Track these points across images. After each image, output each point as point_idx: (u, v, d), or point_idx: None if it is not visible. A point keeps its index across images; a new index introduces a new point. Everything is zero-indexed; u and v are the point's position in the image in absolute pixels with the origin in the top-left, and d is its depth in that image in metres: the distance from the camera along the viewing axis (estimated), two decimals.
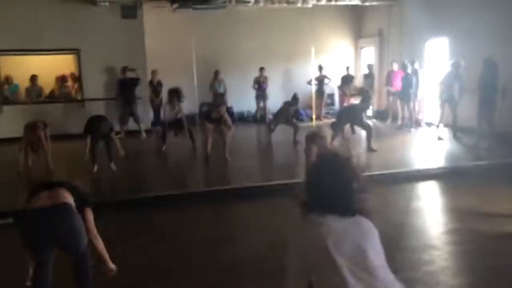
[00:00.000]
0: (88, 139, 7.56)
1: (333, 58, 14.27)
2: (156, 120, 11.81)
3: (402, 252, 4.20)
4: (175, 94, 9.13)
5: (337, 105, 14.36)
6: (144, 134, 10.86)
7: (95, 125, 7.54)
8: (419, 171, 7.07)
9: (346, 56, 14.63)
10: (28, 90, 11.35)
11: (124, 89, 10.87)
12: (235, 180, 7.10)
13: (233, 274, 4.02)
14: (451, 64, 9.31)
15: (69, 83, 12.11)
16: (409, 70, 10.77)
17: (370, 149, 8.36)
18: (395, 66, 11.72)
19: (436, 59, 11.31)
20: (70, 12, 10.75)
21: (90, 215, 3.26)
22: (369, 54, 14.35)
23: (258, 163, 8.76)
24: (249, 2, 11.16)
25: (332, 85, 14.04)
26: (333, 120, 9.59)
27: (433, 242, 4.56)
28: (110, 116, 9.20)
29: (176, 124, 9.21)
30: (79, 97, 11.70)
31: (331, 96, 14.37)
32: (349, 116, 8.90)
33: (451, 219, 5.35)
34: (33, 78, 11.30)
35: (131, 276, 3.86)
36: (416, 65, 10.97)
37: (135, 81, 10.90)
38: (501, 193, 5.98)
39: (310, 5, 11.81)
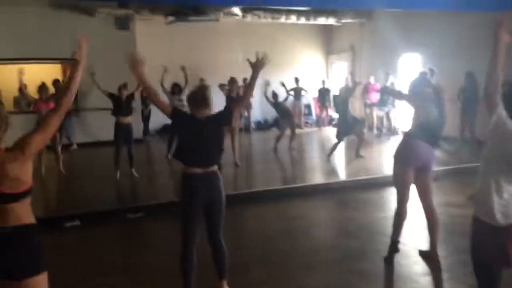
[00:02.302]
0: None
1: (306, 72, 15.04)
2: (146, 130, 12.04)
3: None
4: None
5: (313, 116, 15.12)
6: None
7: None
8: None
9: (319, 70, 15.48)
10: (17, 99, 11.05)
11: None
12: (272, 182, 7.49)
13: (308, 262, 4.34)
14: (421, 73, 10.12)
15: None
16: (388, 83, 11.64)
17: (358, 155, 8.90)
18: (372, 79, 12.58)
19: (409, 73, 12.28)
20: (65, 21, 10.64)
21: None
22: (340, 68, 15.27)
23: (277, 167, 9.17)
24: (237, 15, 11.60)
25: (308, 97, 14.80)
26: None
27: None
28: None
29: None
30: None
31: (308, 106, 15.09)
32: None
33: None
34: (22, 87, 11.01)
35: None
36: (392, 78, 11.88)
37: None
38: None
39: (292, 21, 12.47)
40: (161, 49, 12.26)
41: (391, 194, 6.63)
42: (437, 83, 9.61)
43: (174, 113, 3.49)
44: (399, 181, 4.10)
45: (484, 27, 9.09)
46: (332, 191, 6.82)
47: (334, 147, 9.00)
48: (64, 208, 5.90)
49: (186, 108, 6.32)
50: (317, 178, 7.98)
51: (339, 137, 8.89)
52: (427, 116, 4.06)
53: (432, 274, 4.04)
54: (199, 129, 3.37)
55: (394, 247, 4.16)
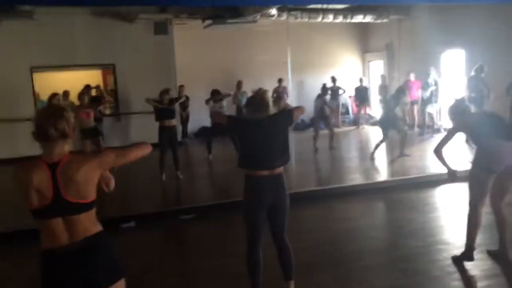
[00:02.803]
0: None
1: (342, 71, 14.84)
2: (184, 132, 12.15)
3: None
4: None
5: (351, 115, 14.90)
6: None
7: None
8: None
9: (355, 69, 15.27)
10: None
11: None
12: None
13: (369, 263, 4.23)
14: (474, 70, 9.80)
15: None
16: (430, 80, 11.36)
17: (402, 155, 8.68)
18: (412, 76, 12.27)
19: (453, 70, 11.95)
20: (105, 29, 10.84)
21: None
22: (376, 67, 15.01)
23: (321, 167, 9.11)
24: (273, 16, 11.51)
25: (346, 96, 14.61)
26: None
27: None
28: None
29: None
30: (108, 112, 11.88)
31: (344, 106, 14.88)
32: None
33: None
34: (65, 93, 11.29)
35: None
36: (434, 75, 11.58)
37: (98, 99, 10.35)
38: None
39: (329, 20, 12.31)
40: (198, 52, 12.36)
41: (440, 193, 6.50)
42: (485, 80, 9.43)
43: (230, 121, 3.57)
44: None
45: None
46: (381, 190, 6.65)
47: (377, 146, 8.84)
48: (118, 210, 5.95)
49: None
50: (363, 177, 7.80)
51: (384, 134, 8.73)
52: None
53: (504, 274, 3.86)
54: (262, 130, 3.29)
55: (469, 254, 4.01)
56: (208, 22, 10.92)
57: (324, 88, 10.55)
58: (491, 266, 3.99)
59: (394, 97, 9.25)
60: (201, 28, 11.46)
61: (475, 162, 3.99)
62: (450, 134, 4.07)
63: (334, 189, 6.75)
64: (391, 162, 8.69)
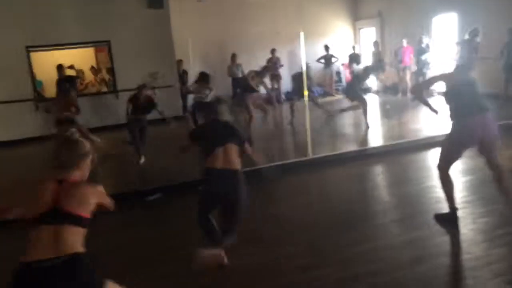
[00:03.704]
0: None
1: (334, 39, 14.85)
2: (185, 106, 12.04)
3: None
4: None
5: (344, 82, 14.99)
6: None
7: None
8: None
9: (347, 37, 15.28)
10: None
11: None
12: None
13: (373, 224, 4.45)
14: (468, 33, 9.83)
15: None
16: (423, 45, 11.48)
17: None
18: (404, 42, 12.37)
19: (445, 34, 12.06)
20: (96, 4, 10.62)
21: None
22: (368, 34, 15.04)
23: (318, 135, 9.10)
24: None
25: (338, 64, 14.69)
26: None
27: None
28: None
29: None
30: (103, 89, 11.78)
31: (337, 73, 14.98)
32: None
33: None
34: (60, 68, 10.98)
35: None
36: (426, 40, 11.70)
37: (71, 79, 10.28)
38: None
39: None
40: (194, 25, 12.20)
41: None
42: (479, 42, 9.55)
43: (193, 139, 3.87)
44: None
45: None
46: (385, 154, 6.89)
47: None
48: (142, 183, 6.04)
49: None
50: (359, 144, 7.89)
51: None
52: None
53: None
54: (219, 134, 3.69)
55: (451, 215, 4.14)
56: None
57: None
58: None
59: (361, 75, 9.16)
60: (195, 1, 11.31)
61: (449, 134, 4.09)
62: (434, 79, 4.21)
63: (343, 154, 6.96)
64: (385, 128, 8.84)
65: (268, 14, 13.69)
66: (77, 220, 2.29)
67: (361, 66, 12.45)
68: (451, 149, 4.07)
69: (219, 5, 12.40)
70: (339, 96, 14.07)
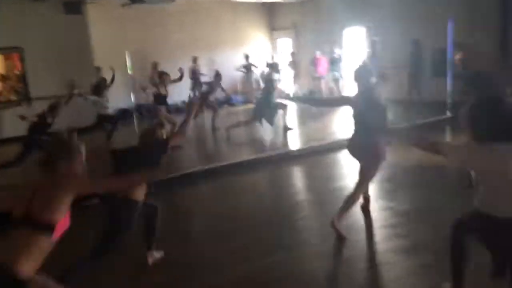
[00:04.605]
0: None
1: (253, 48, 15.29)
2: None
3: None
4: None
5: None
6: None
7: None
8: None
9: (265, 46, 15.81)
10: None
11: None
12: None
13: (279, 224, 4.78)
14: (370, 46, 10.77)
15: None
16: (336, 56, 12.24)
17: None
18: (318, 53, 13.09)
19: (354, 45, 12.94)
20: (10, 9, 10.03)
21: None
22: (285, 44, 15.69)
23: (225, 143, 9.33)
24: None
25: (257, 72, 15.10)
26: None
27: None
28: None
29: None
30: (14, 98, 11.09)
31: (257, 81, 15.37)
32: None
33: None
34: None
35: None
36: (338, 51, 12.50)
37: None
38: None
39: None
40: (115, 32, 11.93)
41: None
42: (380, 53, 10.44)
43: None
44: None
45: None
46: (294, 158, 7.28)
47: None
48: None
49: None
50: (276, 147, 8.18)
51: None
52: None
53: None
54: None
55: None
56: (125, 1, 10.59)
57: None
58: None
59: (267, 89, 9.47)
60: (118, 7, 11.08)
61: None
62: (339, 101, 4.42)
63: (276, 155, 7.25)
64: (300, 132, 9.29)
65: (189, 22, 13.80)
66: (35, 226, 2.22)
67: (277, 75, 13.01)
68: None
69: (139, 13, 12.25)
70: None
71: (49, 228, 2.16)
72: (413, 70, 9.95)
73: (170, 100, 13.00)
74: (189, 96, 13.69)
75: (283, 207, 5.14)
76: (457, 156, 2.64)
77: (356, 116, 4.12)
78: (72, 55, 10.70)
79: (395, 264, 3.58)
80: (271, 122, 8.88)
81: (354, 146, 4.19)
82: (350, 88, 12.96)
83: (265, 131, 9.74)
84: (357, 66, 4.29)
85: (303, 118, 10.90)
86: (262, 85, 11.25)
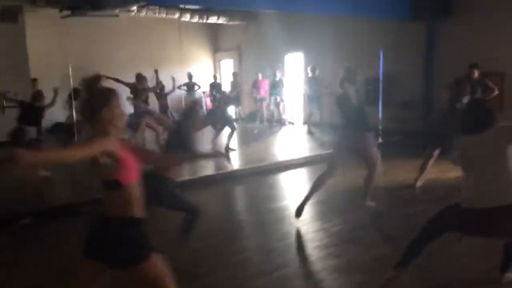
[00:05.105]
0: None
1: (196, 68, 15.39)
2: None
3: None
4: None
5: (205, 110, 15.50)
6: None
7: None
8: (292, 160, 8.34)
9: (208, 66, 15.99)
10: None
11: None
12: None
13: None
14: (310, 69, 11.24)
15: None
16: (277, 79, 12.63)
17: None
18: (260, 76, 13.43)
19: (294, 70, 13.43)
20: None
21: None
22: (227, 65, 15.96)
23: None
24: (133, 11, 11.41)
25: (200, 92, 15.18)
26: None
27: None
28: None
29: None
30: None
31: (200, 101, 15.45)
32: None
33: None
34: None
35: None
36: (279, 74, 12.91)
37: None
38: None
39: (186, 19, 12.67)
40: (55, 44, 11.53)
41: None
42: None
43: None
44: None
45: (358, 30, 10.59)
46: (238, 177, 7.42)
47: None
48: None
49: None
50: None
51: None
52: None
53: None
54: None
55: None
56: (66, 12, 10.30)
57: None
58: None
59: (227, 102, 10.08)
60: (58, 18, 10.74)
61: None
62: None
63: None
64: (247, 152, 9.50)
65: (133, 38, 13.68)
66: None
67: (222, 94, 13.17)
68: None
69: (81, 26, 11.92)
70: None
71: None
72: None
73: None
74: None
75: (224, 226, 5.21)
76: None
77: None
78: (8, 66, 10.22)
79: (329, 283, 3.77)
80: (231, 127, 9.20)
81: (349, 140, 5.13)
82: (291, 111, 13.43)
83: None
84: (339, 95, 5.31)
85: (245, 139, 11.07)
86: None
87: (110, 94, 2.30)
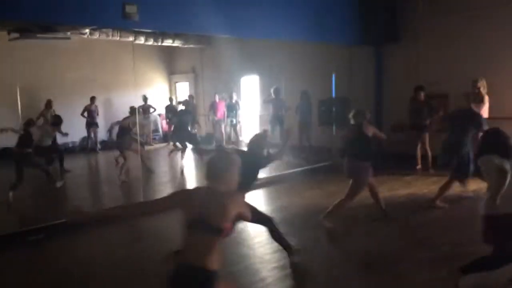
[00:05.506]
0: None
1: (151, 91, 15.23)
2: None
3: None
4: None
5: (160, 132, 15.33)
6: None
7: None
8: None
9: (163, 89, 15.86)
10: None
11: None
12: None
13: None
14: (273, 91, 11.34)
15: None
16: (233, 101, 12.69)
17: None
18: (217, 98, 13.45)
19: (250, 93, 13.56)
20: None
21: None
22: (183, 88, 15.90)
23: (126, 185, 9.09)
24: (85, 34, 11.20)
25: (156, 114, 15.01)
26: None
27: None
28: None
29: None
30: None
31: (155, 123, 15.25)
32: None
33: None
34: None
35: None
36: (235, 96, 13.00)
37: None
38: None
39: (140, 42, 12.56)
40: (3, 67, 11.08)
41: None
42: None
43: None
44: None
45: (312, 54, 10.87)
46: None
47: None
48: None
49: None
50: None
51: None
52: None
53: None
54: None
55: None
56: (14, 35, 9.98)
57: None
58: None
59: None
60: (6, 40, 10.37)
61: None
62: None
63: None
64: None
65: (85, 61, 13.41)
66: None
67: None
68: None
69: (31, 48, 11.56)
70: (157, 145, 14.36)
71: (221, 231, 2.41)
72: (302, 119, 10.66)
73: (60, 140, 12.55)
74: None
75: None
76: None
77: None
78: None
79: None
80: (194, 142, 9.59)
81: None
82: (247, 133, 13.48)
83: (158, 173, 9.70)
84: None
85: (200, 161, 10.98)
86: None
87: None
